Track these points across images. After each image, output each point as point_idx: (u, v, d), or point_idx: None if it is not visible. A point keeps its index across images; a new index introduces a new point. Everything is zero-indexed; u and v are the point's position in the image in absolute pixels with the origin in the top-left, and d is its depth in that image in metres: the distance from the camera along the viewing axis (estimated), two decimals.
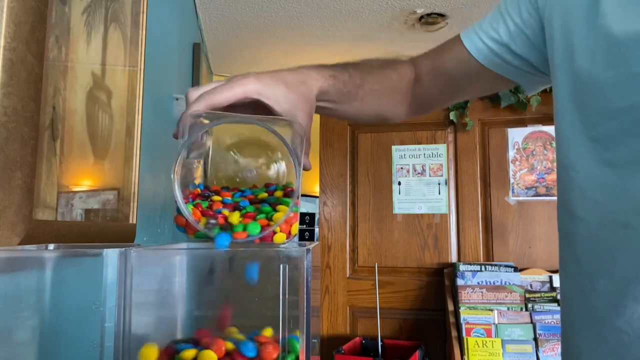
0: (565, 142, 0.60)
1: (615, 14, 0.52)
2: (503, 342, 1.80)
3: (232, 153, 0.61)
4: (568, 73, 0.58)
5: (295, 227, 0.55)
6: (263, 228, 0.52)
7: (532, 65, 0.69)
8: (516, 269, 1.99)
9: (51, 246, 0.58)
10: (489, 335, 1.83)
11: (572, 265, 0.59)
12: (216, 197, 0.57)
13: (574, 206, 0.57)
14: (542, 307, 1.87)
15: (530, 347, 1.78)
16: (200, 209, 0.54)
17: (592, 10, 0.55)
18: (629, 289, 0.50)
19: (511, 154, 2.19)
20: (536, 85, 0.75)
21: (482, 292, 1.93)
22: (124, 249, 0.49)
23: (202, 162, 0.60)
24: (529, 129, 2.20)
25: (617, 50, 0.51)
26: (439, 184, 2.24)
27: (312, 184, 4.62)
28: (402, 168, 2.30)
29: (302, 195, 0.67)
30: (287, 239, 0.54)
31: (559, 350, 1.84)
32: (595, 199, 0.54)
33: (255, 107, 0.59)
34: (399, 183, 2.29)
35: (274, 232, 0.53)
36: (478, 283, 1.96)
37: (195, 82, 2.28)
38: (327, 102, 0.72)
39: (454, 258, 2.20)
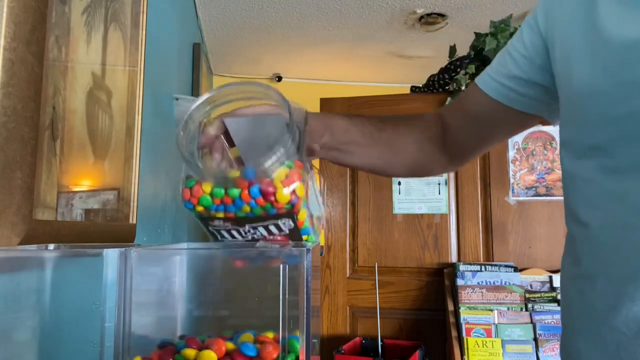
0: (567, 150, 0.61)
1: (611, 21, 0.53)
2: (503, 342, 1.80)
3: None
4: (568, 83, 0.59)
5: (301, 190, 0.52)
6: (263, 186, 0.51)
7: (547, 90, 0.68)
8: (516, 269, 1.98)
9: (51, 246, 0.58)
10: (489, 335, 1.83)
11: (573, 268, 0.60)
12: None
13: (579, 212, 0.58)
14: (542, 307, 1.87)
15: (530, 347, 1.78)
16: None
17: (590, 20, 0.56)
18: (626, 289, 0.50)
19: (511, 154, 2.19)
20: (559, 113, 0.74)
21: (482, 292, 1.93)
22: (124, 249, 0.49)
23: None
24: (529, 129, 2.20)
25: (615, 57, 0.52)
26: (439, 184, 2.24)
27: None
28: None
29: None
30: (291, 201, 0.51)
31: (559, 350, 1.83)
32: (597, 204, 0.55)
33: None
34: (399, 183, 2.29)
35: (275, 188, 0.51)
36: (478, 283, 1.96)
37: (195, 82, 2.27)
38: (351, 145, 0.73)
39: (454, 258, 2.20)
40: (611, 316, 0.52)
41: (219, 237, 0.56)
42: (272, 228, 0.55)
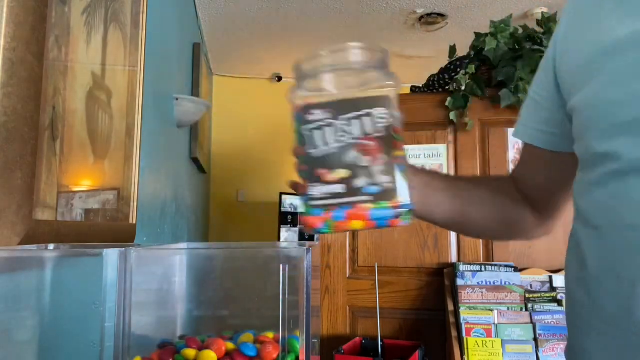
0: (578, 158, 0.62)
1: (619, 32, 0.54)
2: (503, 342, 1.80)
3: None
4: (580, 97, 0.60)
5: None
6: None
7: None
8: (516, 269, 1.98)
9: (51, 246, 0.58)
10: (489, 335, 1.83)
11: (579, 269, 0.61)
12: None
13: (589, 216, 0.59)
14: (542, 307, 1.87)
15: (530, 347, 1.78)
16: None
17: (598, 33, 0.57)
18: (636, 290, 0.51)
19: (511, 154, 2.19)
20: None
21: (482, 292, 1.93)
22: (124, 249, 0.49)
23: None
24: None
25: (624, 66, 0.53)
26: None
27: None
28: None
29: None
30: None
31: (559, 350, 1.82)
32: (606, 207, 0.56)
33: None
34: None
35: None
36: (478, 283, 1.96)
37: (195, 82, 2.27)
38: (441, 194, 0.72)
39: (454, 258, 2.20)
40: (621, 317, 0.52)
41: (308, 145, 0.55)
42: (367, 123, 0.55)
